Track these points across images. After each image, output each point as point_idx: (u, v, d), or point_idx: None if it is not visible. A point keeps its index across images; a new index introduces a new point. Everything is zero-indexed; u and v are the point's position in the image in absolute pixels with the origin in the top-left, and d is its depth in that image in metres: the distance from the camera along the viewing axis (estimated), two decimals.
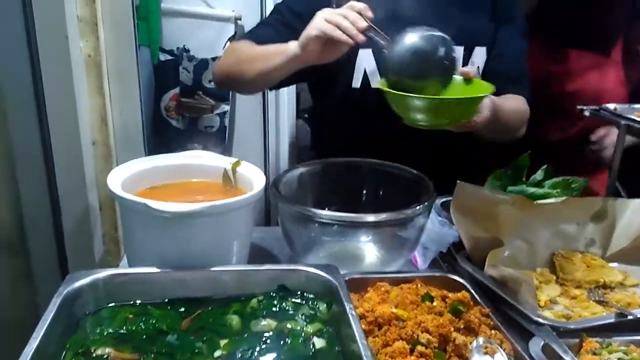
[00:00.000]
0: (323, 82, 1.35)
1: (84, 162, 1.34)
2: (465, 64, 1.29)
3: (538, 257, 1.07)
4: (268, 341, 0.78)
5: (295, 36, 1.11)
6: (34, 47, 1.10)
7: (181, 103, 2.38)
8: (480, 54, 1.32)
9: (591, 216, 1.09)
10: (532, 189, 1.14)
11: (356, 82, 1.33)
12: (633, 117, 1.68)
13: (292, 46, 1.11)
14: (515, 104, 1.31)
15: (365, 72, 1.31)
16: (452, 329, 0.81)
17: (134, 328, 0.78)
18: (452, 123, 1.04)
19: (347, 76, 1.33)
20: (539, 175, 1.20)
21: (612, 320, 0.85)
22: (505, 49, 1.34)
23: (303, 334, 0.79)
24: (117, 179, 0.93)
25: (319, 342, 0.78)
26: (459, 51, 1.27)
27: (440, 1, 1.27)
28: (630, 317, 0.85)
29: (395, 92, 0.99)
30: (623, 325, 0.84)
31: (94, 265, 1.39)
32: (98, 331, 0.77)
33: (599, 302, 0.95)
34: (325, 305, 0.85)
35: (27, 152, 1.16)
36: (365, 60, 1.30)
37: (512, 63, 1.34)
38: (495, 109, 1.13)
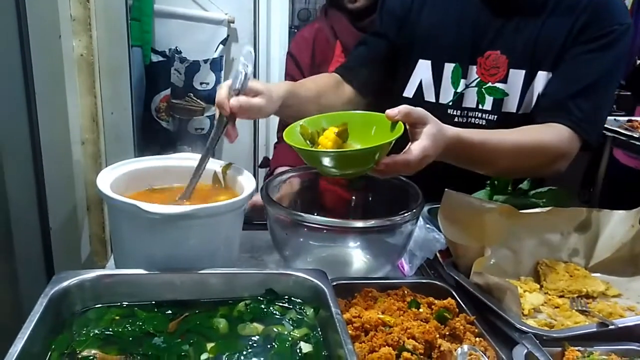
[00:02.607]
0: (378, 89, 1.36)
1: (73, 161, 1.33)
2: (525, 88, 1.23)
3: (523, 266, 1.09)
4: (255, 345, 0.78)
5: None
6: (26, 45, 1.09)
7: (172, 104, 2.38)
8: (542, 79, 1.22)
9: (575, 226, 1.11)
10: (518, 199, 1.16)
11: (409, 92, 1.33)
12: (618, 129, 1.71)
13: None
14: (520, 137, 1.13)
15: (420, 82, 1.32)
16: (438, 335, 0.82)
17: (120, 330, 0.78)
18: (359, 172, 0.94)
19: (402, 85, 1.34)
20: (525, 185, 1.22)
21: (594, 329, 0.87)
22: (567, 71, 1.20)
23: (290, 339, 0.79)
24: (107, 180, 0.93)
25: (305, 347, 0.78)
26: (519, 74, 1.22)
27: (508, 25, 1.23)
28: (611, 327, 0.86)
29: (298, 147, 0.92)
30: (605, 335, 0.86)
31: (79, 265, 1.39)
32: (84, 332, 0.77)
33: (582, 312, 0.96)
34: (312, 310, 0.85)
35: (16, 149, 1.15)
36: (423, 71, 1.31)
37: (567, 87, 1.19)
38: (450, 144, 0.99)
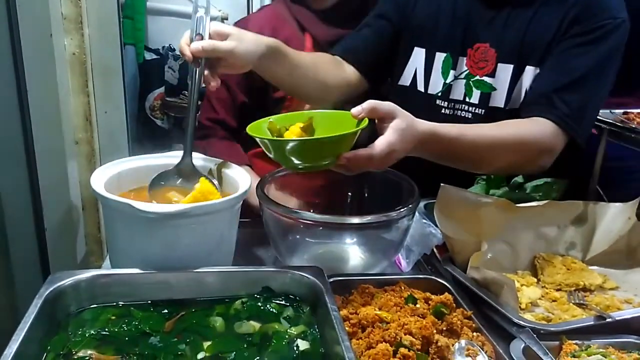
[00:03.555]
0: (380, 74, 1.34)
1: (67, 161, 1.33)
2: (513, 84, 1.20)
3: (520, 260, 1.09)
4: (252, 343, 0.78)
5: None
6: (17, 44, 1.08)
7: (166, 102, 2.37)
8: (530, 75, 1.19)
9: (572, 220, 1.11)
10: (514, 192, 1.16)
11: (405, 80, 1.32)
12: (613, 122, 1.70)
13: None
14: (500, 131, 1.10)
15: (415, 71, 1.31)
16: (435, 331, 0.82)
17: (116, 329, 0.78)
18: (321, 165, 0.92)
19: (398, 72, 1.33)
20: (520, 178, 1.21)
21: (592, 322, 0.87)
22: (554, 64, 1.17)
23: (287, 336, 0.79)
24: (101, 179, 0.92)
25: (303, 344, 0.78)
26: (507, 69, 1.20)
27: (498, 17, 1.21)
28: (609, 320, 0.86)
29: (259, 137, 0.90)
30: (602, 328, 0.86)
31: (75, 265, 1.38)
32: (80, 333, 0.76)
33: (579, 305, 0.96)
34: (309, 307, 0.85)
35: (9, 150, 1.14)
36: (418, 59, 1.30)
37: (552, 81, 1.15)
38: (423, 139, 0.96)
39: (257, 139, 0.91)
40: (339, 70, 1.29)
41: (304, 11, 1.46)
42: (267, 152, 0.92)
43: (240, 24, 1.48)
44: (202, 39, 0.96)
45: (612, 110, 1.78)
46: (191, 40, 0.96)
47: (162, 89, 2.35)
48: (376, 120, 0.92)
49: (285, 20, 1.45)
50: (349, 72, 1.30)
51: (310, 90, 1.03)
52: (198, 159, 1.06)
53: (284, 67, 1.10)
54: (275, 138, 0.94)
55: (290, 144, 0.90)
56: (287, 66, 1.11)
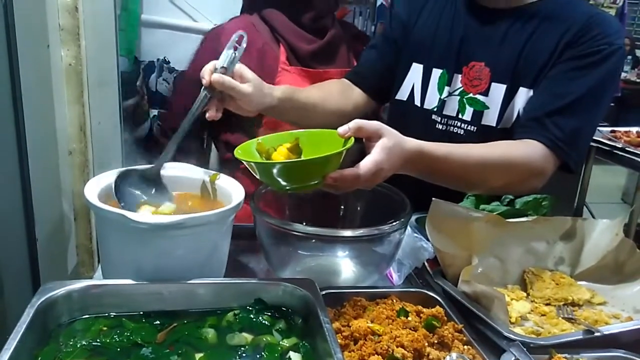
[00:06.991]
0: (389, 92, 1.38)
1: (60, 171, 1.32)
2: (506, 104, 1.21)
3: (509, 274, 1.10)
4: (244, 355, 0.78)
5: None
6: (14, 54, 1.09)
7: (160, 114, 2.38)
8: (523, 96, 1.20)
9: (561, 235, 1.12)
10: (504, 208, 1.17)
11: (402, 95, 1.35)
12: (601, 140, 1.74)
13: None
14: (489, 151, 1.10)
15: (413, 86, 1.33)
16: (427, 344, 0.83)
17: (108, 340, 0.78)
18: (309, 186, 0.92)
19: (396, 87, 1.36)
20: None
21: (580, 336, 0.88)
22: (548, 87, 1.16)
23: (279, 348, 0.79)
24: (94, 189, 0.92)
25: (295, 357, 0.78)
26: (500, 88, 1.21)
27: (495, 36, 1.22)
28: (597, 334, 0.87)
29: (246, 160, 0.90)
30: (590, 342, 0.87)
31: (66, 276, 1.37)
32: (71, 343, 0.76)
33: (568, 319, 0.97)
34: (301, 319, 0.85)
35: (2, 159, 1.14)
36: (416, 75, 1.33)
37: (545, 104, 1.15)
38: (410, 158, 0.96)
39: (244, 162, 0.91)
40: (347, 95, 1.33)
41: (282, 21, 1.42)
42: (254, 174, 0.92)
43: (213, 34, 1.47)
44: (225, 72, 1.02)
45: (599, 129, 1.81)
46: (215, 69, 1.01)
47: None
48: (364, 139, 0.93)
49: (258, 31, 1.42)
50: (356, 95, 1.35)
51: (319, 121, 1.06)
52: (192, 170, 1.06)
53: (292, 112, 1.16)
54: (260, 161, 0.94)
55: (277, 167, 0.91)
56: (295, 110, 1.16)
